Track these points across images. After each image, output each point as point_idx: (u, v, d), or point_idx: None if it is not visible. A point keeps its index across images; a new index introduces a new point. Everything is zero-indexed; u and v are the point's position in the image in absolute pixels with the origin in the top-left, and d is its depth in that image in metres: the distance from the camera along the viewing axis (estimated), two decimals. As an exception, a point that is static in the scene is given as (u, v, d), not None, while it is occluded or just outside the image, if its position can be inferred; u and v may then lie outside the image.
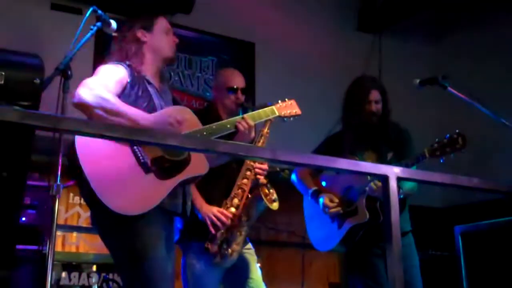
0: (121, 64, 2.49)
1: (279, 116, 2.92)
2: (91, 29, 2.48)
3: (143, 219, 2.27)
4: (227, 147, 1.77)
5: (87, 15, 2.42)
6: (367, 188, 3.02)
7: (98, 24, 2.50)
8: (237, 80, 3.15)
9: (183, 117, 2.43)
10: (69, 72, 2.24)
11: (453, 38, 6.08)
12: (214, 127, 2.59)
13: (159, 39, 2.62)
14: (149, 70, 2.59)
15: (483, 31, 5.78)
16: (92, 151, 2.26)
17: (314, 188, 3.26)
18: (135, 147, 2.34)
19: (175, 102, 2.71)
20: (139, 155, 2.33)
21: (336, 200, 3.16)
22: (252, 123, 2.74)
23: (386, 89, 3.27)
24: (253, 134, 2.76)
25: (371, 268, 3.08)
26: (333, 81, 5.59)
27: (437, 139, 2.87)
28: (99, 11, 2.50)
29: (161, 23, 2.67)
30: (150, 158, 2.35)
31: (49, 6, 4.52)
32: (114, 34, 2.59)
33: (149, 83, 2.55)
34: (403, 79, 3.56)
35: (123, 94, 2.43)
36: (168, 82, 2.85)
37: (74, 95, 2.25)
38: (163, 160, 2.37)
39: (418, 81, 3.17)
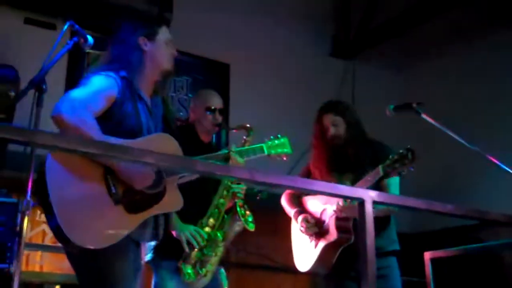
0: (113, 77, 2.36)
1: (268, 155, 2.97)
2: (68, 44, 2.44)
3: (111, 251, 2.16)
4: (205, 166, 1.75)
5: (64, 29, 2.39)
6: (335, 209, 3.04)
7: (75, 38, 2.46)
8: (215, 101, 3.21)
9: (164, 146, 2.34)
10: (44, 86, 2.19)
11: (425, 65, 6.19)
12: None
13: (160, 50, 2.51)
14: (144, 82, 2.47)
15: (455, 59, 5.91)
16: (61, 176, 2.14)
17: (296, 209, 3.31)
18: (107, 175, 2.22)
19: (165, 119, 2.62)
20: (110, 183, 2.21)
21: (313, 221, 3.19)
22: (241, 161, 2.82)
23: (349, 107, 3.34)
24: None
25: None
26: (306, 104, 5.63)
27: (390, 156, 2.85)
28: (76, 26, 2.47)
29: (164, 33, 2.56)
30: (122, 188, 2.23)
31: (23, 20, 4.45)
32: (88, 50, 2.56)
33: (140, 98, 2.44)
34: (376, 105, 3.60)
35: (111, 110, 2.32)
36: (163, 95, 2.67)
37: (55, 107, 2.13)
38: (135, 192, 2.25)
39: (392, 107, 3.19)
